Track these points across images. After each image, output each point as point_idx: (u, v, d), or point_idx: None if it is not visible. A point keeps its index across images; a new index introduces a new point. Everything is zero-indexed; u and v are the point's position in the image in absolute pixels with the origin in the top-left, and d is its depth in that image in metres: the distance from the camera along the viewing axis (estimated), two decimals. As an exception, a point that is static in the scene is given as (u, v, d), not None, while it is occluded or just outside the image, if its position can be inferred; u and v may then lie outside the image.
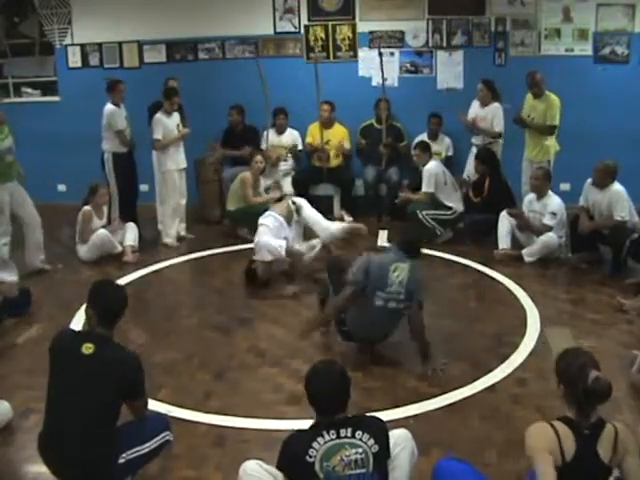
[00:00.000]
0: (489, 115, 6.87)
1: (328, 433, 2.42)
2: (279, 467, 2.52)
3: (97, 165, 6.60)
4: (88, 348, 2.76)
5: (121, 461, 2.76)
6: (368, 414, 2.72)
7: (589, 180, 5.75)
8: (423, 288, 4.19)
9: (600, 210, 5.66)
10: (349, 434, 2.43)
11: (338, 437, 2.42)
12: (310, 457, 2.39)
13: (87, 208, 6.22)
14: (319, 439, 2.41)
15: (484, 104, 6.91)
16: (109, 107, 6.41)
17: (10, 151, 5.53)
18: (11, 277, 5.61)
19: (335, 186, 7.61)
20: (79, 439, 2.69)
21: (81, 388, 2.72)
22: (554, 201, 5.93)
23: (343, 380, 2.55)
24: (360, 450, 2.41)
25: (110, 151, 6.50)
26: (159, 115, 6.49)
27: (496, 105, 6.86)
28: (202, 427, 3.50)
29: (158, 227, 7.10)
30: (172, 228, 6.77)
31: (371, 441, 2.44)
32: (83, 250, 6.23)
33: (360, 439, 2.43)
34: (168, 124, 6.53)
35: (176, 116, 6.63)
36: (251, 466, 2.63)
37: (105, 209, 6.40)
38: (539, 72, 6.36)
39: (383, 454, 2.48)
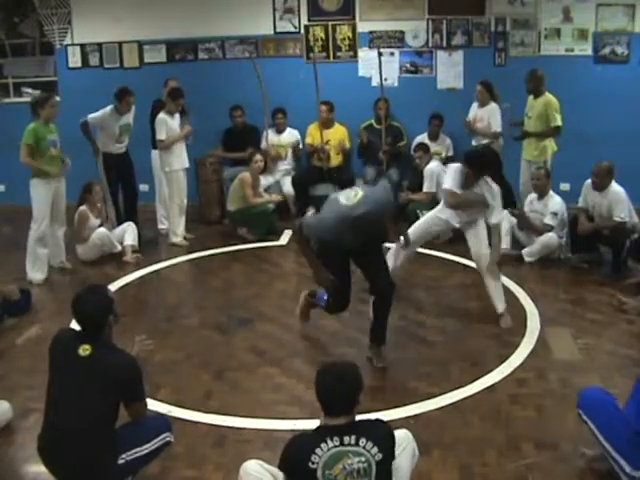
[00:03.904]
0: (486, 116, 6.88)
1: (332, 439, 2.38)
2: (281, 467, 2.50)
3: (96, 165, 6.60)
4: (85, 350, 2.76)
5: (120, 462, 2.76)
6: (373, 418, 2.66)
7: (587, 182, 5.74)
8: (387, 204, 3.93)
9: (600, 212, 5.66)
10: (352, 442, 2.38)
11: (342, 444, 2.37)
12: (313, 464, 2.36)
13: (83, 208, 6.21)
14: (322, 445, 2.37)
15: (482, 105, 6.92)
16: (108, 108, 6.35)
17: (55, 145, 5.61)
18: (38, 276, 5.65)
19: (335, 186, 7.59)
20: (78, 440, 2.69)
21: (79, 389, 2.72)
22: (555, 201, 5.94)
23: (356, 383, 2.49)
24: (363, 459, 2.37)
25: (101, 150, 6.46)
26: (162, 115, 6.47)
27: (493, 106, 6.87)
28: (202, 427, 3.50)
29: (158, 227, 7.11)
30: (180, 227, 6.79)
31: (375, 449, 2.39)
32: (82, 250, 6.22)
33: (364, 447, 2.38)
34: (172, 125, 6.52)
35: (178, 117, 6.62)
36: (252, 466, 2.62)
37: (101, 207, 6.38)
38: (541, 70, 6.36)
39: (387, 461, 2.44)
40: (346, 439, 2.38)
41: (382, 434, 2.48)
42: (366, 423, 2.53)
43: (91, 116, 6.35)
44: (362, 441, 2.39)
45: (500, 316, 4.70)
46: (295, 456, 2.43)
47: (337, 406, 2.45)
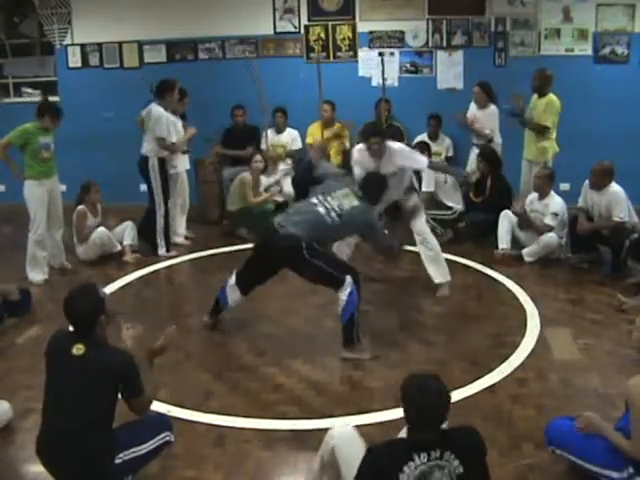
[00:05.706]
0: (484, 119, 6.87)
1: (419, 456, 2.29)
2: (362, 475, 2.35)
3: (96, 165, 6.59)
4: (79, 349, 2.76)
5: (118, 461, 2.75)
6: (466, 427, 2.49)
7: (587, 181, 5.74)
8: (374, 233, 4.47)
9: (600, 211, 5.65)
10: (438, 455, 2.30)
11: (429, 460, 2.29)
12: (404, 477, 2.27)
13: (81, 207, 6.20)
14: (410, 463, 2.28)
15: (481, 106, 6.91)
16: (159, 110, 6.12)
17: (47, 147, 5.59)
18: (39, 277, 5.64)
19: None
20: (76, 440, 2.68)
21: (74, 389, 2.72)
22: (556, 201, 5.94)
23: (448, 397, 2.39)
24: (446, 471, 2.30)
25: (156, 156, 6.19)
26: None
27: (492, 109, 6.85)
28: (202, 427, 3.50)
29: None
30: (182, 227, 6.81)
31: (456, 462, 2.31)
32: (81, 250, 6.22)
33: (447, 460, 2.30)
34: (177, 126, 6.50)
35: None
36: (350, 432, 2.65)
37: (99, 207, 6.38)
38: (551, 70, 6.35)
39: (468, 475, 2.34)
40: (432, 453, 2.30)
41: (468, 444, 2.37)
42: (454, 434, 2.39)
43: (159, 133, 6.09)
44: (447, 454, 2.31)
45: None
46: (385, 466, 2.32)
47: (431, 424, 2.33)
